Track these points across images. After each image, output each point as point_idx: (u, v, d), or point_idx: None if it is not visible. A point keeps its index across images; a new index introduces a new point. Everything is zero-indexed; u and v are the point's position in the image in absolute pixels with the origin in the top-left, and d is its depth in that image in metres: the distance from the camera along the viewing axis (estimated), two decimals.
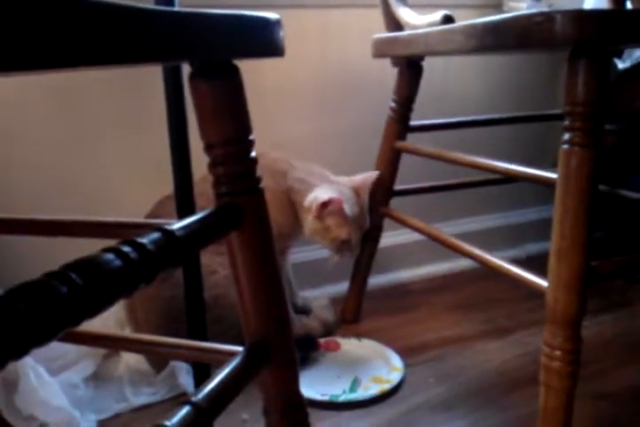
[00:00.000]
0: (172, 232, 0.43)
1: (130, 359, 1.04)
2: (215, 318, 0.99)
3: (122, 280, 0.38)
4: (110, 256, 0.38)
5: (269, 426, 0.65)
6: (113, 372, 1.03)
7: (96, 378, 1.01)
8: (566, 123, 0.66)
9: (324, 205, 1.05)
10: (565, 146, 0.66)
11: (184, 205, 0.86)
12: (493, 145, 1.45)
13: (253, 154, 0.52)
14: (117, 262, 0.38)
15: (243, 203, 0.52)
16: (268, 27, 0.47)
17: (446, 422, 0.94)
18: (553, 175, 0.70)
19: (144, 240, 0.41)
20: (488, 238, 1.47)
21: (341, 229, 1.08)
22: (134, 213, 1.06)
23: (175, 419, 0.46)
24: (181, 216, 0.87)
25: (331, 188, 1.09)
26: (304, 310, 1.24)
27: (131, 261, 0.39)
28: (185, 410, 0.47)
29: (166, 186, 0.93)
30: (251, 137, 0.52)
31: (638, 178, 1.38)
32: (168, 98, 0.81)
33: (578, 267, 0.68)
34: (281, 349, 0.61)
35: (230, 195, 0.52)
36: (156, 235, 0.42)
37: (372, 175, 1.13)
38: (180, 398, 0.96)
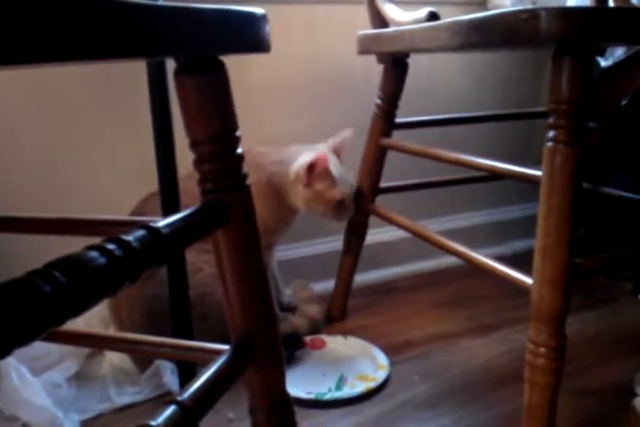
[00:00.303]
0: (157, 230, 0.42)
1: (114, 358, 1.03)
2: (201, 317, 0.99)
3: (106, 278, 0.38)
4: (94, 254, 0.38)
5: (255, 425, 0.65)
6: (96, 371, 1.02)
7: (79, 378, 1.00)
8: (551, 120, 0.67)
9: (310, 168, 1.05)
10: (550, 143, 0.67)
11: (169, 202, 0.85)
12: (478, 142, 1.45)
13: (239, 151, 0.52)
14: (102, 260, 0.38)
15: (229, 200, 0.51)
16: (255, 22, 0.47)
17: (431, 419, 0.94)
18: (537, 173, 0.70)
19: (129, 238, 0.40)
20: (473, 236, 1.47)
21: (333, 190, 1.08)
22: (119, 211, 1.04)
23: (160, 419, 0.45)
24: (166, 213, 0.86)
25: (309, 153, 1.08)
26: (290, 308, 1.23)
27: (115, 259, 0.38)
28: (170, 410, 0.47)
29: (151, 183, 0.92)
30: (237, 134, 0.51)
31: (620, 176, 1.39)
32: (152, 94, 0.80)
33: (562, 264, 0.68)
34: (267, 347, 0.61)
35: (216, 192, 0.51)
36: (140, 232, 0.41)
37: (346, 133, 1.12)
38: (165, 398, 0.95)
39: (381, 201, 1.19)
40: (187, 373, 0.97)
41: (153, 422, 0.45)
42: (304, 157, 1.08)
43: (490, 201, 1.62)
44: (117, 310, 1.04)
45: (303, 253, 1.37)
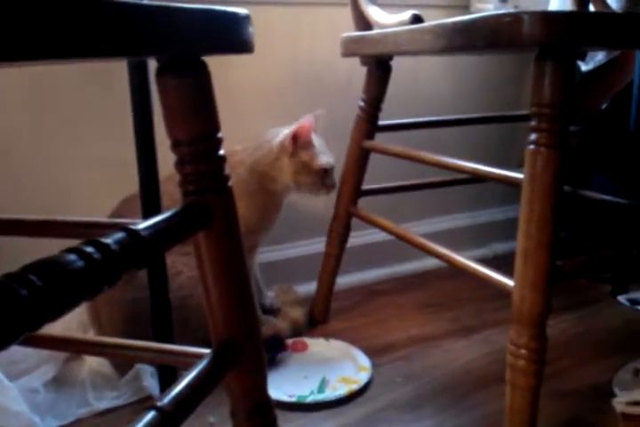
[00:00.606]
0: (136, 232, 0.41)
1: (92, 363, 1.02)
2: (181, 320, 0.98)
3: (84, 282, 0.37)
4: (72, 257, 0.37)
5: None
6: (75, 376, 1.00)
7: (57, 382, 0.99)
8: (533, 123, 0.67)
9: (294, 138, 1.06)
10: (532, 146, 0.67)
11: (149, 204, 0.84)
12: (461, 145, 1.46)
13: (221, 152, 0.51)
14: (80, 263, 0.37)
15: (211, 202, 0.51)
16: (238, 23, 0.46)
17: (414, 421, 0.94)
18: (519, 175, 0.71)
19: (108, 240, 0.39)
20: (455, 238, 1.48)
21: (318, 160, 1.08)
22: (99, 213, 1.03)
23: (140, 425, 0.45)
24: (147, 215, 0.85)
25: (289, 127, 1.09)
26: (272, 310, 1.23)
27: (94, 262, 0.37)
28: (150, 415, 0.46)
29: (132, 184, 0.91)
30: (219, 135, 0.51)
31: (600, 178, 1.41)
32: (133, 94, 0.79)
33: (544, 267, 0.68)
34: (249, 351, 0.60)
35: (198, 194, 0.50)
36: (120, 235, 0.40)
37: (318, 112, 1.10)
38: (145, 403, 0.94)
39: (364, 203, 1.19)
40: (167, 376, 0.96)
41: None
42: (285, 131, 1.09)
43: (472, 203, 1.63)
44: (96, 313, 1.03)
45: (285, 255, 1.36)
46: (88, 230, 0.51)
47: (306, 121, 1.06)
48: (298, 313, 1.23)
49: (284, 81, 1.29)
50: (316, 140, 1.11)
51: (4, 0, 0.31)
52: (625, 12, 1.20)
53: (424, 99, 1.44)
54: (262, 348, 0.62)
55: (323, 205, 1.16)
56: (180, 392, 0.50)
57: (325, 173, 1.09)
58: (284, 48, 1.27)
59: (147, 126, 0.80)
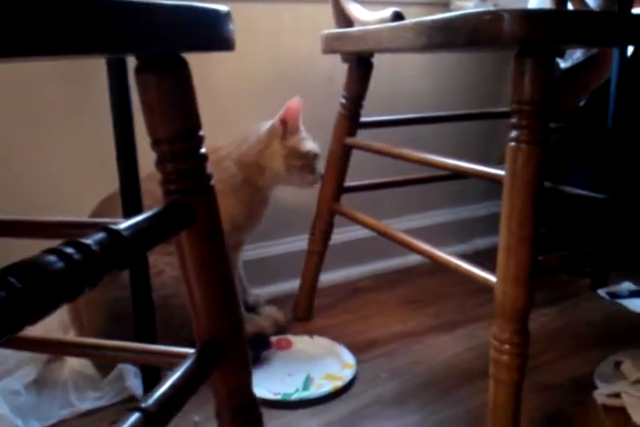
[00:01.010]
0: (118, 232, 0.41)
1: (74, 363, 1.01)
2: (164, 320, 0.97)
3: (64, 284, 0.36)
4: (52, 258, 0.36)
5: None
6: (57, 377, 0.99)
7: (39, 384, 0.97)
8: (513, 120, 0.67)
9: (284, 121, 1.08)
10: (513, 143, 0.67)
11: (130, 203, 0.83)
12: (441, 141, 1.47)
13: (203, 150, 0.51)
14: (60, 264, 0.36)
15: (193, 201, 0.50)
16: (219, 19, 0.46)
17: (398, 417, 0.95)
18: (500, 172, 0.71)
19: (88, 241, 0.39)
20: (437, 234, 1.49)
21: (306, 144, 1.11)
22: (79, 212, 1.02)
23: (124, 426, 0.44)
24: (127, 215, 0.84)
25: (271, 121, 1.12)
26: (255, 308, 1.23)
27: (74, 263, 0.37)
28: (134, 417, 0.45)
29: (112, 184, 0.90)
30: (200, 133, 0.50)
31: (577, 175, 1.43)
32: (112, 92, 0.78)
33: (525, 262, 0.69)
34: (234, 350, 0.60)
35: (180, 193, 0.50)
36: (101, 235, 0.40)
37: (295, 100, 1.10)
38: (129, 404, 0.94)
39: (346, 200, 1.19)
40: (150, 376, 0.95)
41: None
42: (270, 122, 1.11)
43: (453, 199, 1.64)
44: (77, 313, 1.02)
45: (268, 253, 1.36)
46: (70, 231, 0.50)
47: (293, 103, 1.08)
48: (279, 312, 1.23)
49: (265, 78, 1.28)
50: (302, 128, 1.12)
51: None
52: (602, 10, 1.21)
53: (404, 96, 1.44)
54: (247, 346, 0.62)
55: (307, 199, 1.16)
56: (165, 393, 0.49)
57: (313, 157, 1.11)
58: (265, 45, 1.26)
59: (126, 124, 0.79)
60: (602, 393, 0.98)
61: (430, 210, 1.60)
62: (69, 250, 0.37)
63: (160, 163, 0.49)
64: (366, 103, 1.12)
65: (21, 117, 1.07)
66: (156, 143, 0.48)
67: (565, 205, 1.40)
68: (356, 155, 1.16)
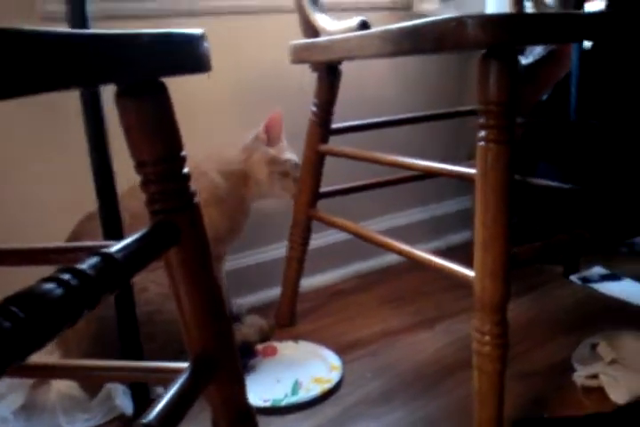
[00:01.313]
0: (111, 256, 0.42)
1: (60, 386, 1.00)
2: (149, 336, 0.97)
3: (65, 309, 0.37)
4: (50, 285, 0.37)
5: None
6: (44, 401, 0.98)
7: (26, 409, 0.96)
8: (481, 121, 0.70)
9: (267, 130, 1.13)
10: (482, 143, 0.70)
11: (110, 223, 0.83)
12: (410, 141, 1.49)
13: (186, 170, 0.52)
14: (58, 291, 0.37)
15: (178, 220, 0.51)
16: (194, 42, 0.47)
17: (387, 413, 0.97)
18: (471, 171, 0.73)
19: (83, 266, 0.40)
20: (411, 232, 1.52)
21: (287, 154, 1.16)
22: (57, 238, 1.01)
23: None
24: (108, 234, 0.84)
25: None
26: (238, 317, 1.23)
27: (72, 289, 0.38)
28: None
29: (90, 202, 0.89)
30: (182, 153, 0.51)
31: (545, 166, 1.47)
32: (86, 113, 0.78)
33: (501, 256, 0.72)
34: (226, 362, 0.61)
35: (165, 212, 0.51)
36: (94, 260, 0.41)
37: (275, 112, 1.14)
38: (118, 422, 0.93)
39: (322, 205, 1.20)
40: (140, 394, 0.95)
41: None
42: (253, 132, 1.16)
43: (425, 198, 1.67)
44: (62, 335, 1.01)
45: (249, 262, 1.37)
46: (60, 256, 0.51)
47: (276, 113, 1.12)
48: (263, 319, 1.24)
49: (235, 91, 1.28)
50: (284, 138, 1.17)
51: None
52: (559, 9, 1.26)
53: (370, 100, 1.47)
54: (239, 357, 0.63)
55: (283, 207, 1.17)
56: (164, 408, 0.50)
57: (295, 167, 1.16)
58: (233, 58, 1.26)
59: (101, 143, 0.79)
60: (580, 375, 1.02)
61: (404, 209, 1.63)
62: (66, 276, 0.38)
63: (144, 184, 0.50)
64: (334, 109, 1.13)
65: None
66: (139, 166, 0.49)
67: (534, 196, 1.45)
68: (327, 160, 1.18)
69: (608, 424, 0.91)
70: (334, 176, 1.23)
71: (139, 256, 0.45)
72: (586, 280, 1.43)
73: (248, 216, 1.17)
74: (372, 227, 1.15)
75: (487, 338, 0.76)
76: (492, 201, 0.70)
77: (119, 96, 0.46)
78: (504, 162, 0.68)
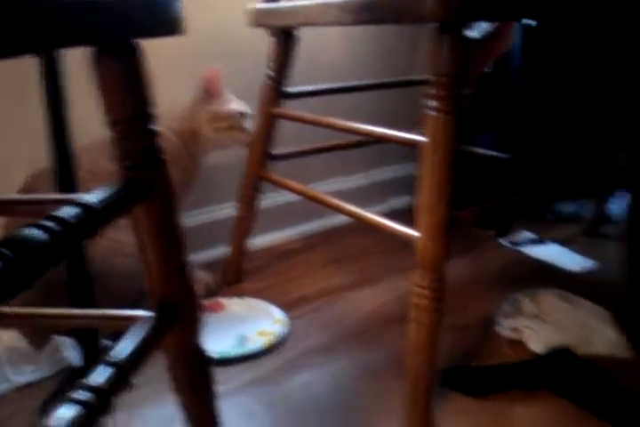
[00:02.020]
0: (90, 206, 0.44)
1: (5, 339, 1.00)
2: (99, 288, 0.98)
3: (50, 253, 0.40)
4: (37, 231, 0.39)
5: (175, 383, 0.68)
6: None
7: None
8: (432, 91, 0.74)
9: (205, 87, 1.13)
10: (432, 113, 0.74)
11: (65, 179, 0.84)
12: (360, 109, 1.52)
13: (155, 127, 0.54)
14: (44, 236, 0.40)
15: (148, 175, 0.54)
16: (168, 4, 0.48)
17: (327, 364, 1.03)
18: (421, 138, 0.77)
19: (65, 215, 0.42)
20: (357, 196, 1.56)
21: (232, 104, 1.16)
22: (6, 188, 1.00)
23: (100, 378, 0.48)
24: (63, 189, 0.85)
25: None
26: None
27: (56, 235, 0.40)
28: (109, 371, 0.49)
29: (41, 159, 0.89)
30: (153, 112, 0.53)
31: (484, 136, 1.54)
32: (45, 71, 0.77)
33: (443, 218, 0.77)
34: (186, 309, 0.65)
35: (136, 168, 0.53)
36: (76, 209, 0.43)
37: (213, 68, 1.14)
38: (102, 358, 0.95)
39: (275, 167, 1.22)
40: (88, 346, 0.96)
41: (91, 382, 0.48)
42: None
43: (369, 163, 1.71)
44: None
45: (199, 220, 1.38)
46: (27, 207, 0.52)
47: (212, 69, 1.12)
48: (207, 275, 1.27)
49: (189, 53, 1.27)
50: (227, 91, 1.16)
51: None
52: None
53: (323, 66, 1.48)
54: (198, 305, 0.67)
55: (234, 167, 1.19)
56: (132, 350, 0.53)
57: (242, 116, 1.15)
58: (190, 20, 1.24)
59: (58, 100, 0.78)
60: (504, 328, 1.11)
61: (350, 174, 1.68)
62: (50, 224, 0.40)
63: (117, 141, 0.52)
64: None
65: None
66: (113, 124, 0.51)
67: (473, 165, 1.52)
68: (282, 124, 1.19)
69: (528, 371, 1.01)
70: (289, 140, 1.25)
71: (113, 208, 0.48)
72: (515, 244, 1.54)
73: (199, 172, 1.18)
74: (321, 188, 1.18)
75: (426, 292, 0.82)
76: (438, 168, 0.75)
77: (94, 57, 0.48)
78: (451, 131, 0.73)
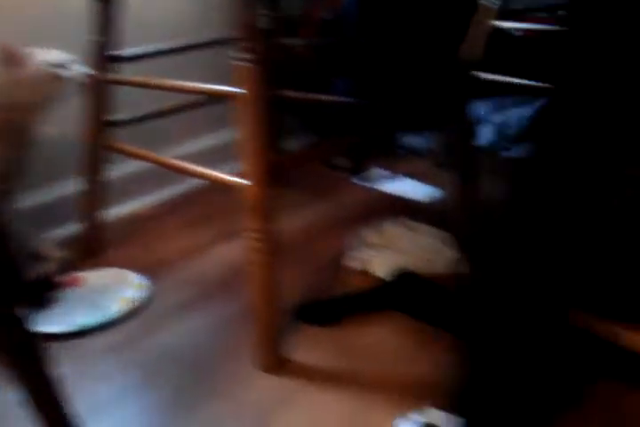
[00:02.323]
0: None
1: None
2: None
3: None
4: None
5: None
6: None
7: None
8: (241, 44, 0.77)
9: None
10: (240, 63, 0.77)
11: None
12: (189, 70, 1.48)
13: None
14: None
15: None
16: None
17: (185, 321, 1.08)
18: (236, 90, 0.81)
19: None
20: (205, 157, 1.56)
21: (42, 55, 1.05)
22: None
23: None
24: None
25: None
26: (39, 253, 1.22)
27: None
28: None
29: None
30: None
31: (340, 83, 1.58)
32: None
33: (262, 165, 0.81)
34: None
35: None
36: None
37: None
38: None
39: (122, 136, 1.19)
40: None
41: None
42: None
43: (219, 123, 1.68)
44: None
45: (50, 197, 1.34)
46: None
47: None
48: (64, 250, 1.24)
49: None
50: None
51: None
52: None
53: (155, 26, 1.42)
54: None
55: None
56: None
57: (58, 67, 1.05)
58: None
59: None
60: (352, 259, 1.20)
61: (197, 136, 1.66)
62: None
63: None
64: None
65: None
66: None
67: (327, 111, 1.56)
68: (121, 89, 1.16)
69: (374, 296, 1.10)
70: (135, 105, 1.22)
71: None
72: (369, 181, 1.62)
73: (31, 146, 1.11)
74: (167, 154, 1.17)
75: (257, 235, 0.86)
76: (251, 116, 0.79)
77: None
78: (261, 80, 0.77)
